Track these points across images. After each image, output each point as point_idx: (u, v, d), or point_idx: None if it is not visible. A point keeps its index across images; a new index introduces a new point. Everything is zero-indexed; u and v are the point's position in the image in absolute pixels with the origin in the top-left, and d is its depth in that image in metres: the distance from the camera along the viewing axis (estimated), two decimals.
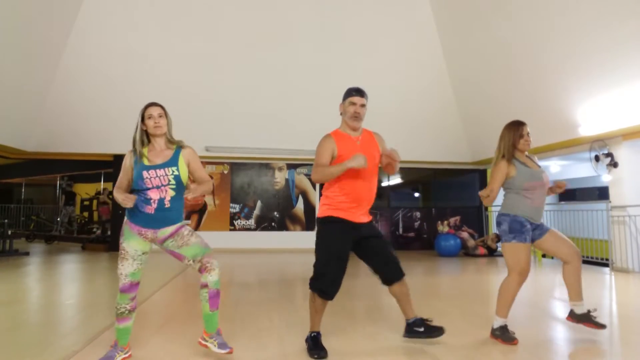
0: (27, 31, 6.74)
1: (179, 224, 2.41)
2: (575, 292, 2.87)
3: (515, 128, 2.86)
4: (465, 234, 8.90)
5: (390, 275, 2.65)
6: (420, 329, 2.70)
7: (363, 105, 2.61)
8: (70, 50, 7.77)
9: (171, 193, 2.35)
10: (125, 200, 2.24)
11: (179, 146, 2.45)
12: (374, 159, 2.60)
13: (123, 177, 2.41)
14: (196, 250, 2.37)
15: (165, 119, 2.42)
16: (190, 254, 2.37)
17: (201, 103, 8.60)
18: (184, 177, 2.41)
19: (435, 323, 2.74)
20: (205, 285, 2.37)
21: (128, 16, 7.73)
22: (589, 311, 2.86)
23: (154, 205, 2.32)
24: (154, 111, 2.39)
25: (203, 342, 2.45)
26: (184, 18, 7.89)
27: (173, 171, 2.36)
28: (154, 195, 2.32)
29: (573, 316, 2.91)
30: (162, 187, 2.33)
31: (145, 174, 2.31)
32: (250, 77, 8.50)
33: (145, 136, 2.43)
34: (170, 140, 2.44)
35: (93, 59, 7.96)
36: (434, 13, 8.15)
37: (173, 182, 2.35)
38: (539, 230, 2.85)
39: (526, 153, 2.95)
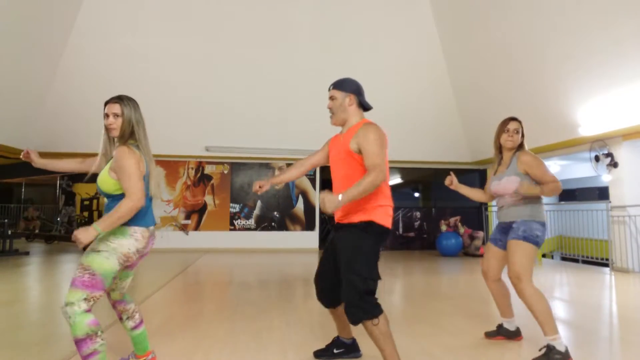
0: (27, 31, 6.75)
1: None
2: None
3: (502, 123, 2.67)
4: (481, 234, 8.91)
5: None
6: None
7: (332, 98, 2.26)
8: (70, 50, 7.78)
9: (106, 201, 2.00)
10: None
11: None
12: (338, 154, 2.29)
13: None
14: None
15: (121, 119, 1.94)
16: None
17: (201, 103, 8.60)
18: (104, 186, 1.94)
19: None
20: None
21: (128, 16, 7.74)
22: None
23: None
24: (110, 109, 1.94)
25: None
26: (183, 18, 7.89)
27: (96, 181, 1.97)
28: None
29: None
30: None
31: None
32: (250, 77, 8.51)
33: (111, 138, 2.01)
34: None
35: (93, 59, 7.97)
36: (434, 13, 8.16)
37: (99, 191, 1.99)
38: (511, 232, 2.57)
39: (524, 150, 2.59)
